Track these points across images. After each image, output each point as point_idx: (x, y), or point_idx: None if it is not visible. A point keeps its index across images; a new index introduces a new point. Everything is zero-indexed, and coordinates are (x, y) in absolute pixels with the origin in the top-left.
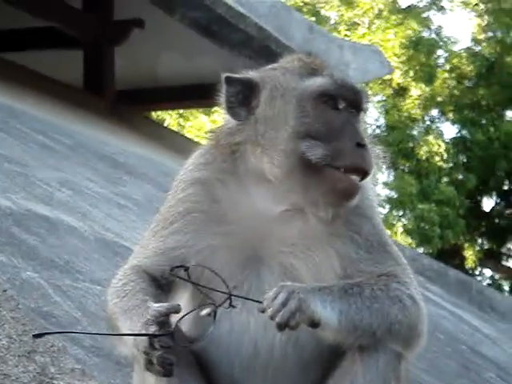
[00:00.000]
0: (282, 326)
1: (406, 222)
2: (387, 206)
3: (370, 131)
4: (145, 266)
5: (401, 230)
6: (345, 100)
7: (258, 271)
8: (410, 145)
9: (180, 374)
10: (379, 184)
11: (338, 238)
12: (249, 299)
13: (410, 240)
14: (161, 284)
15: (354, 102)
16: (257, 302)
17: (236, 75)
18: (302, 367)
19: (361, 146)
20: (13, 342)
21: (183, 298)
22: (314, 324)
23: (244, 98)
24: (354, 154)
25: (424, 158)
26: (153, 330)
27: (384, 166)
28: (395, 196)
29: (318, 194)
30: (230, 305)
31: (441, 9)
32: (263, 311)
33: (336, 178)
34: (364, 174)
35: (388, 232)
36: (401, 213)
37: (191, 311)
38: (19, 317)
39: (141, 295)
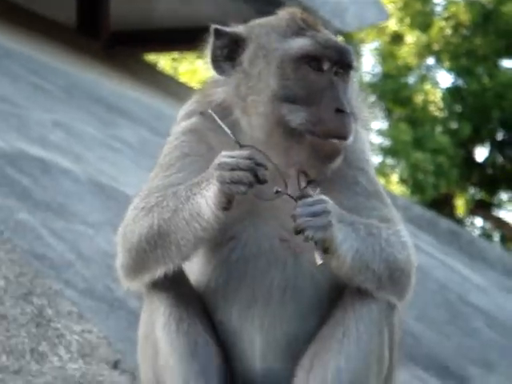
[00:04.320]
0: (297, 231)
1: (400, 172)
2: (381, 155)
3: (361, 85)
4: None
5: (395, 178)
6: (329, 61)
7: (254, 221)
8: (406, 93)
9: (190, 319)
10: (374, 133)
11: (334, 192)
12: (288, 195)
13: (403, 189)
14: None
15: (340, 62)
16: (292, 199)
17: (225, 28)
18: (299, 316)
19: (340, 111)
20: (10, 284)
21: None
22: (327, 250)
23: (230, 52)
24: (333, 121)
25: (419, 106)
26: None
27: (378, 116)
28: (390, 144)
29: (300, 157)
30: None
31: None
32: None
33: (315, 143)
34: (343, 138)
35: (382, 181)
36: (395, 162)
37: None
38: (16, 259)
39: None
